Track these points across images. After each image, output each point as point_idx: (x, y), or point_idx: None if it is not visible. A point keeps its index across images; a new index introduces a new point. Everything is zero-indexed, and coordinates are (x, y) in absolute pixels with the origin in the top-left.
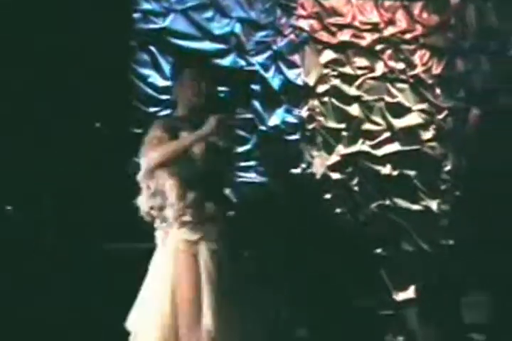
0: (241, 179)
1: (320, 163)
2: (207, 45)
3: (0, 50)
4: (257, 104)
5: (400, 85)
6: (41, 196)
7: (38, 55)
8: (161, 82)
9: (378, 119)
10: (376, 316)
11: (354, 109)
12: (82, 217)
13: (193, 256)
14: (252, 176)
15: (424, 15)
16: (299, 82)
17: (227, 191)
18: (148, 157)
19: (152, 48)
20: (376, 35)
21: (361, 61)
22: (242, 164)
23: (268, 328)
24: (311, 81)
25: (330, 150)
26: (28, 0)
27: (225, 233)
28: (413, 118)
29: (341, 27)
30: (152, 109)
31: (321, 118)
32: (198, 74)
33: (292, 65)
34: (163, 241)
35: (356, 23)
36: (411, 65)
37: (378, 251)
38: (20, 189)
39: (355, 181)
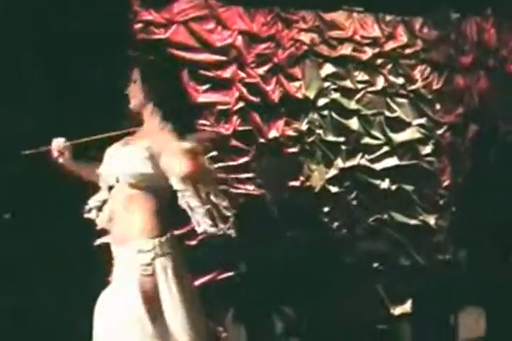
0: (239, 191)
1: (318, 176)
2: (207, 57)
3: None
4: (256, 116)
5: (399, 100)
6: None
7: (39, 69)
8: None
9: (377, 133)
10: (373, 330)
11: (353, 123)
12: None
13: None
14: (250, 188)
15: (425, 30)
16: (299, 95)
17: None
18: None
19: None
20: (377, 50)
21: (361, 75)
22: (241, 176)
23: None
24: (311, 94)
25: (329, 164)
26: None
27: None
28: (412, 133)
29: (342, 41)
30: None
31: (320, 132)
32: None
33: (292, 78)
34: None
35: (357, 37)
36: (411, 80)
37: (375, 265)
38: None
39: (353, 195)
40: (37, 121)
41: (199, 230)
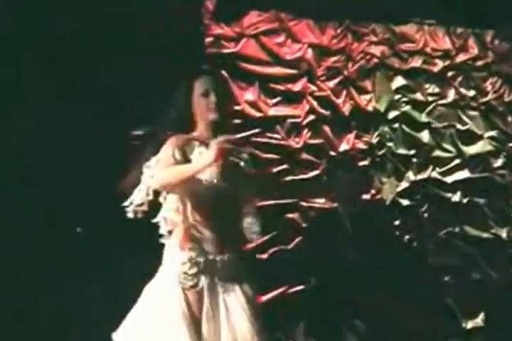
0: (310, 204)
1: (389, 189)
2: (278, 70)
3: None
4: (327, 129)
5: (470, 112)
6: None
7: (106, 82)
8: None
9: (448, 146)
10: None
11: (424, 136)
12: None
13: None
14: (321, 201)
15: (496, 42)
16: (370, 107)
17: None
18: (155, 177)
19: (224, 73)
20: (447, 62)
21: (432, 88)
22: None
23: None
24: (381, 107)
25: (400, 177)
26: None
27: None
28: (483, 146)
29: (412, 53)
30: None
31: (391, 145)
32: (209, 86)
33: (363, 91)
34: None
35: (428, 50)
36: (482, 92)
37: (446, 278)
38: None
39: (424, 208)
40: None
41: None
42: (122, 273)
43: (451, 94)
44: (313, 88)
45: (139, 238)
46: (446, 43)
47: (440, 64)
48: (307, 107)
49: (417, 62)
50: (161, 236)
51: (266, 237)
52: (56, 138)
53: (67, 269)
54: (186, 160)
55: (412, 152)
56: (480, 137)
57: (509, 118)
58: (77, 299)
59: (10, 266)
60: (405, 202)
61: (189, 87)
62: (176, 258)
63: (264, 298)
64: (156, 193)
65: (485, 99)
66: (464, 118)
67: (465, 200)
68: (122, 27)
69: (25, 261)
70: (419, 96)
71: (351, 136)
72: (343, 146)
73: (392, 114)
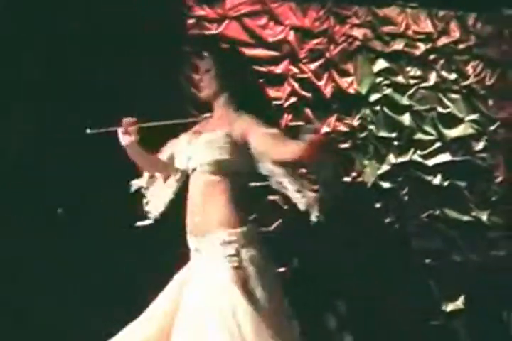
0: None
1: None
2: (260, 52)
3: None
4: (308, 111)
5: (452, 95)
6: None
7: (94, 60)
8: None
9: (430, 129)
10: (425, 327)
11: (406, 119)
12: None
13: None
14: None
15: (478, 25)
16: (351, 90)
17: None
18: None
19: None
20: (429, 45)
21: (414, 71)
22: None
23: None
24: (363, 89)
25: (381, 160)
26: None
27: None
28: (465, 129)
29: (395, 36)
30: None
31: (373, 127)
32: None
33: (345, 73)
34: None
35: (410, 33)
36: (464, 76)
37: (427, 261)
38: None
39: (405, 191)
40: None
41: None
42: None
43: (433, 78)
44: (295, 70)
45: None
46: (428, 26)
47: (422, 47)
48: (289, 89)
49: (399, 45)
50: None
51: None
52: (56, 138)
53: (67, 269)
54: None
55: (394, 135)
56: (461, 120)
57: (490, 102)
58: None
59: (10, 266)
60: (386, 185)
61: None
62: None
63: None
64: None
65: (466, 83)
66: (446, 101)
67: (446, 183)
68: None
69: (26, 261)
70: (400, 79)
71: (333, 119)
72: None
73: (373, 97)
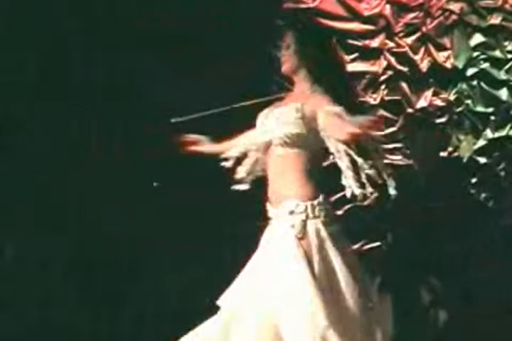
0: (386, 161)
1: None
2: (356, 26)
3: None
4: (404, 86)
5: None
6: None
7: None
8: None
9: None
10: None
11: (503, 94)
12: None
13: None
14: (397, 158)
15: None
16: (448, 64)
17: None
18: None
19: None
20: None
21: (511, 45)
22: (388, 146)
23: None
24: (459, 64)
25: (477, 135)
26: None
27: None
28: None
29: (492, 10)
30: None
31: (469, 102)
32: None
33: (441, 48)
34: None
35: (507, 7)
36: None
37: None
38: None
39: (501, 166)
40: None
41: (347, 194)
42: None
43: None
44: (391, 44)
45: None
46: None
47: None
48: (385, 63)
49: (496, 20)
50: None
51: (341, 193)
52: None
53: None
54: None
55: (491, 110)
56: None
57: None
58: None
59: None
60: (483, 160)
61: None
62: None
63: None
64: None
65: None
66: None
67: None
68: None
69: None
70: (498, 53)
71: (429, 93)
72: (421, 103)
73: (470, 71)
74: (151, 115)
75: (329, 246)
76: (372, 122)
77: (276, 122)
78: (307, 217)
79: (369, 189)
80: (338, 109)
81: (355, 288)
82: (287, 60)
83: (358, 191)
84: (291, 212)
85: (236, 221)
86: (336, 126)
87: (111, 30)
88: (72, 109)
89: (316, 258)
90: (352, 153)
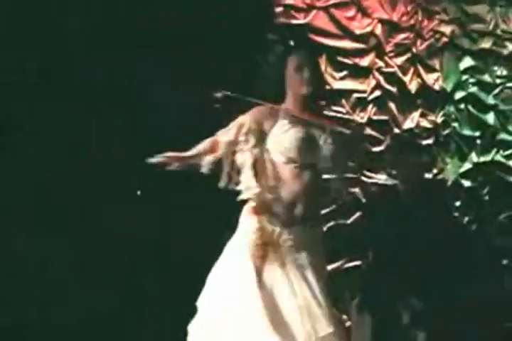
0: (371, 180)
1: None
2: (347, 44)
3: None
4: (392, 106)
5: None
6: None
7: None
8: None
9: None
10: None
11: (490, 118)
12: None
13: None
14: (382, 178)
15: None
16: (436, 86)
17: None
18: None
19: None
20: None
21: (501, 70)
22: (373, 165)
23: None
24: (448, 87)
25: (463, 158)
26: None
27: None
28: None
29: (483, 34)
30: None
31: (456, 125)
32: (303, 61)
33: (431, 70)
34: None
35: (498, 32)
36: None
37: (505, 262)
38: None
39: (486, 190)
40: None
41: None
42: None
43: None
44: (381, 64)
45: None
46: None
47: (510, 47)
48: (374, 82)
49: (486, 44)
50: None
51: (325, 211)
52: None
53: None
54: (260, 130)
55: (477, 133)
56: None
57: None
58: None
59: None
60: (467, 184)
61: (282, 61)
62: (248, 226)
63: None
64: None
65: None
66: None
67: None
68: None
69: None
70: (487, 77)
71: (416, 114)
72: (408, 124)
73: (458, 95)
74: (151, 115)
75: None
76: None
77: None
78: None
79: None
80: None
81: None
82: (308, 82)
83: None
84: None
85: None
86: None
87: (111, 30)
88: (72, 109)
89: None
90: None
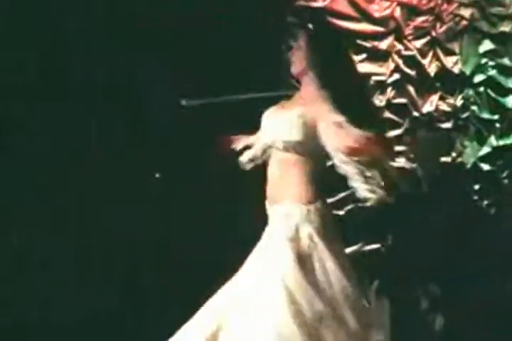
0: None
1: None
2: (365, 27)
3: None
4: (411, 89)
5: None
6: None
7: (193, 29)
8: None
9: None
10: None
11: (509, 101)
12: None
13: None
14: (401, 161)
15: None
16: (456, 70)
17: None
18: None
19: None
20: None
21: None
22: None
23: None
24: (467, 70)
25: (482, 141)
26: None
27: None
28: None
29: (503, 18)
30: None
31: (475, 108)
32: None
33: (450, 53)
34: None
35: None
36: None
37: None
38: None
39: (505, 174)
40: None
41: (359, 196)
42: None
43: None
44: (400, 47)
45: None
46: None
47: None
48: (392, 66)
49: (506, 27)
50: None
51: (343, 194)
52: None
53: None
54: None
55: (496, 117)
56: None
57: None
58: None
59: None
60: (486, 167)
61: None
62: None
63: None
64: None
65: None
66: None
67: None
68: None
69: None
70: (506, 61)
71: (435, 98)
72: (427, 107)
73: (478, 78)
74: (151, 115)
75: (322, 249)
76: (368, 139)
77: (277, 127)
78: (301, 220)
79: (379, 191)
80: (339, 118)
81: (350, 291)
82: (297, 62)
83: (368, 194)
84: (287, 214)
85: (236, 220)
86: (335, 137)
87: (111, 30)
88: (72, 109)
89: (308, 261)
90: (353, 162)
